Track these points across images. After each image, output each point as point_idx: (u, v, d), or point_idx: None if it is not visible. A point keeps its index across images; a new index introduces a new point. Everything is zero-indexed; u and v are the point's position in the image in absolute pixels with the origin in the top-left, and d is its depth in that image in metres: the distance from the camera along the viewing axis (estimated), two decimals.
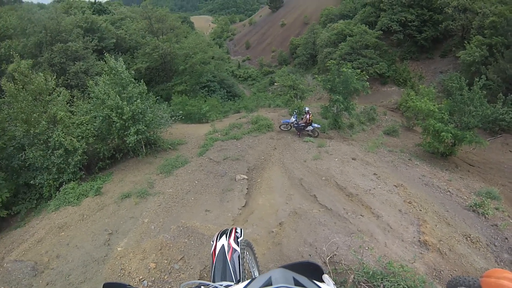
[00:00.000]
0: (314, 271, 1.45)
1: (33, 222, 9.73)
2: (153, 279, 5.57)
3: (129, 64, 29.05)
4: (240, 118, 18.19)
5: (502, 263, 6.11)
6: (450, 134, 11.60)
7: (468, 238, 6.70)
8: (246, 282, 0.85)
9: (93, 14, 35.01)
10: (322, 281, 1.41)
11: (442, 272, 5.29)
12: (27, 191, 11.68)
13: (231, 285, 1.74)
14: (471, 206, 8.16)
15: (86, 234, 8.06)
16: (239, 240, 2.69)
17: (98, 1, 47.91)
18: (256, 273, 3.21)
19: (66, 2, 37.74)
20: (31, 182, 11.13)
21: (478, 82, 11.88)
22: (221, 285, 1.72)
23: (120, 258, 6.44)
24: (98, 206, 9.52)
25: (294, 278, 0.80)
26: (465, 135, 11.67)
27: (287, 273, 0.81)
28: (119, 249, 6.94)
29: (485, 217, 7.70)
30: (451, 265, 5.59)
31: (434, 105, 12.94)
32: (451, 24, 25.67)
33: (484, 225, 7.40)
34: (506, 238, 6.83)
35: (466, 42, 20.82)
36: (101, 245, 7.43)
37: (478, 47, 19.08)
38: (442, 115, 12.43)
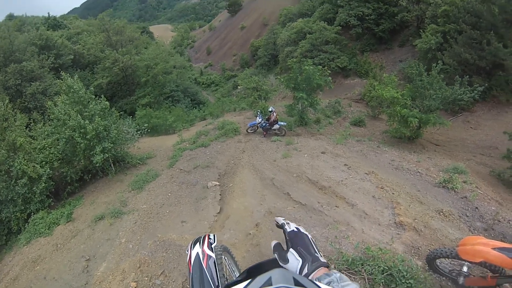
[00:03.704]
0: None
1: (5, 260, 9.30)
2: None
3: (89, 80, 28.41)
4: (206, 125, 18.14)
5: (476, 231, 6.34)
6: (416, 119, 12.00)
7: (441, 213, 6.90)
8: (246, 282, 0.81)
9: (47, 30, 33.97)
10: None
11: (420, 249, 5.41)
12: None
13: None
14: (440, 183, 8.43)
15: (63, 264, 7.75)
16: (213, 246, 2.65)
17: (52, 16, 46.32)
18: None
19: (18, 19, 36.45)
20: None
21: (435, 67, 12.41)
22: None
23: (99, 283, 6.26)
24: (72, 233, 9.16)
25: (294, 278, 0.78)
26: (429, 117, 12.09)
27: (287, 273, 0.80)
28: (98, 274, 6.70)
29: (454, 191, 7.97)
30: (427, 240, 5.73)
31: (397, 92, 13.34)
32: (406, 16, 26.76)
33: (455, 199, 7.67)
34: (477, 208, 7.12)
35: (421, 31, 21.61)
36: (80, 273, 7.16)
37: (433, 35, 19.91)
38: (405, 101, 12.82)
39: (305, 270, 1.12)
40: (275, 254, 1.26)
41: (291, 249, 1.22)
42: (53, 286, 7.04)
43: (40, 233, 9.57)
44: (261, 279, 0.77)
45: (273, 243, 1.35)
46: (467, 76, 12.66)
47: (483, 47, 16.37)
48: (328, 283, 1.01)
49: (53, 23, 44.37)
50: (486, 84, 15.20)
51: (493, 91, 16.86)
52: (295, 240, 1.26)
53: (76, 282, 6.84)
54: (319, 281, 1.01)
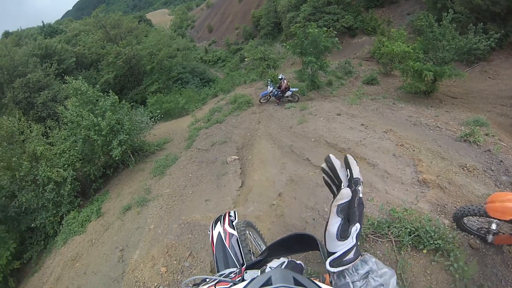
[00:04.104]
0: (306, 242, 1.43)
1: (47, 263, 9.78)
2: (167, 282, 5.64)
3: (95, 78, 28.60)
4: (218, 102, 18.14)
5: (502, 186, 6.15)
6: (431, 72, 11.61)
7: (465, 168, 6.73)
8: (246, 282, 0.81)
9: (45, 38, 33.91)
10: (318, 249, 1.38)
11: (446, 206, 5.33)
12: (32, 235, 11.64)
13: (234, 271, 1.72)
14: (461, 136, 8.18)
15: (99, 257, 8.10)
16: (234, 223, 2.68)
17: (47, 24, 46.26)
18: None
19: (14, 34, 36.58)
20: (33, 225, 11.09)
21: (446, 16, 11.79)
22: (223, 274, 1.69)
23: (132, 272, 6.47)
24: (103, 227, 9.52)
25: (294, 278, 0.77)
26: (444, 69, 11.66)
27: (287, 273, 0.79)
28: (132, 261, 6.95)
29: (477, 145, 7.72)
30: (453, 197, 5.64)
31: (408, 47, 12.90)
32: None
33: (478, 153, 7.43)
34: (501, 161, 6.87)
35: None
36: (116, 264, 7.47)
37: None
38: (418, 54, 12.40)
39: (350, 255, 0.98)
40: (340, 221, 0.97)
41: (357, 225, 0.98)
42: (94, 279, 7.37)
43: (74, 232, 10.00)
44: (261, 279, 0.77)
45: (345, 197, 0.95)
46: (481, 24, 11.96)
47: None
48: (367, 274, 0.95)
49: (49, 30, 44.34)
50: (502, 31, 14.24)
51: (510, 37, 15.91)
52: (361, 212, 1.00)
53: (114, 273, 7.14)
54: (356, 270, 0.96)
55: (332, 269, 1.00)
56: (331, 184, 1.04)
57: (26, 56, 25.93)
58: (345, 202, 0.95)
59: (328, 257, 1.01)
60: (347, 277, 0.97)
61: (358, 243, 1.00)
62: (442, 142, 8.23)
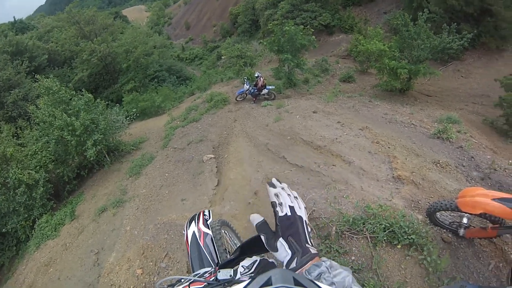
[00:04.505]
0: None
1: (19, 269, 9.47)
2: (143, 284, 5.55)
3: (69, 76, 27.75)
4: (195, 100, 17.96)
5: (473, 181, 6.36)
6: (406, 70, 11.86)
7: (438, 164, 6.91)
8: (246, 282, 0.79)
9: (16, 34, 32.64)
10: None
11: (419, 202, 5.45)
12: (3, 240, 11.27)
13: (208, 270, 1.69)
14: (435, 133, 8.41)
15: (74, 262, 7.90)
16: (208, 222, 2.65)
17: (18, 19, 44.71)
18: None
19: None
20: (3, 230, 10.68)
21: (421, 16, 12.04)
22: (198, 273, 1.66)
23: (107, 275, 6.34)
24: (78, 230, 9.28)
25: (294, 278, 0.76)
26: (419, 68, 11.96)
27: (287, 273, 0.78)
28: (108, 265, 6.79)
29: (449, 141, 7.97)
30: (426, 193, 5.77)
31: (384, 45, 13.12)
32: None
33: (450, 149, 7.66)
34: (472, 157, 7.11)
35: None
36: (91, 267, 7.32)
37: None
38: (393, 53, 12.63)
39: (293, 264, 1.07)
40: (262, 237, 1.17)
41: (280, 239, 1.11)
42: (68, 285, 7.20)
43: (47, 236, 9.69)
44: (261, 279, 0.75)
45: (256, 220, 1.21)
46: (455, 24, 12.30)
47: None
48: (319, 275, 0.99)
49: (20, 26, 42.92)
50: (475, 31, 14.69)
51: (482, 38, 16.39)
52: (286, 228, 1.13)
53: (89, 277, 6.99)
54: (308, 274, 1.01)
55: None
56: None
57: None
58: (258, 223, 1.21)
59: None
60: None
61: (300, 254, 1.09)
62: (417, 139, 8.42)
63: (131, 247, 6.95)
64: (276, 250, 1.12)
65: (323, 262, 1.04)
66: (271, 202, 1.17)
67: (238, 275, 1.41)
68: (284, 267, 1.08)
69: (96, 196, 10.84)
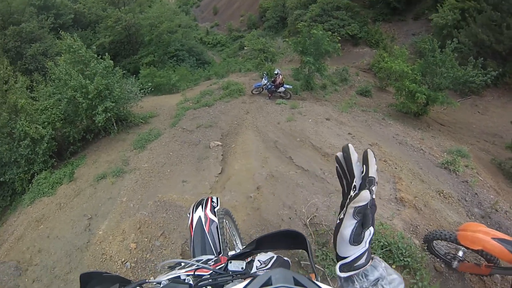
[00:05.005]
0: (295, 239, 1.40)
1: (10, 220, 9.54)
2: (135, 259, 5.53)
3: (91, 40, 27.54)
4: (211, 85, 17.93)
5: (473, 217, 6.39)
6: (424, 95, 11.81)
7: (441, 194, 6.92)
8: (246, 282, 0.79)
9: None
10: (303, 248, 1.36)
11: (418, 227, 5.46)
12: None
13: (211, 258, 1.69)
14: (443, 163, 8.39)
15: (65, 223, 7.90)
16: (215, 210, 2.64)
17: None
18: (238, 241, 3.20)
19: None
20: (1, 179, 10.68)
21: (450, 44, 12.00)
22: (201, 260, 1.66)
23: (100, 243, 6.35)
24: (74, 192, 9.29)
25: (294, 278, 0.74)
26: (437, 95, 11.95)
27: (287, 273, 0.76)
28: (100, 232, 6.82)
29: (456, 174, 7.95)
30: (426, 220, 5.77)
31: (407, 66, 13.06)
32: None
33: (456, 182, 7.65)
34: (476, 194, 7.12)
35: (438, 5, 20.58)
36: (82, 232, 7.30)
37: (451, 10, 18.96)
38: (415, 76, 12.58)
39: (362, 260, 0.92)
40: (354, 221, 0.88)
41: (371, 229, 0.90)
42: (56, 244, 7.19)
43: (43, 193, 9.70)
44: (261, 278, 0.75)
45: (366, 199, 0.84)
46: (482, 59, 12.26)
47: (502, 31, 15.72)
48: (376, 280, 0.90)
49: None
50: (500, 70, 14.74)
51: (506, 78, 16.30)
52: (373, 215, 0.91)
53: (79, 241, 6.97)
54: (366, 275, 0.92)
55: (342, 274, 0.95)
56: (342, 177, 0.95)
57: (23, 5, 24.67)
58: (363, 205, 0.86)
59: (338, 261, 0.97)
60: (355, 282, 0.93)
61: (370, 247, 0.94)
62: (424, 165, 8.41)
63: (125, 219, 6.96)
64: (359, 242, 0.90)
65: (379, 263, 0.94)
66: (371, 176, 0.87)
67: (254, 269, 1.40)
68: (347, 261, 0.94)
69: (98, 162, 10.85)
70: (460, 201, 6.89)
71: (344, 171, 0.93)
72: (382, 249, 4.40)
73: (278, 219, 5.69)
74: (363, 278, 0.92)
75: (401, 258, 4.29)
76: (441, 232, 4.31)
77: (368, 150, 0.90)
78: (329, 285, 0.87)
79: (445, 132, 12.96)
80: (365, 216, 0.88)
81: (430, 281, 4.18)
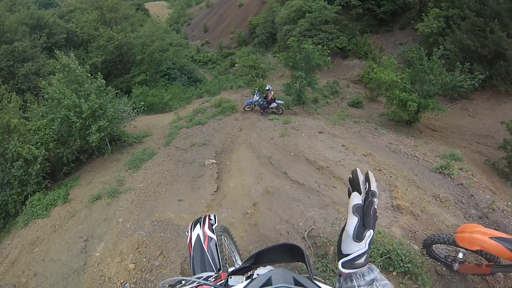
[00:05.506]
0: (293, 252, 1.42)
1: (4, 243, 9.32)
2: (134, 280, 5.44)
3: (83, 59, 27.72)
4: (203, 103, 17.96)
5: (471, 218, 6.43)
6: (415, 103, 12.01)
7: (438, 198, 6.97)
8: (246, 282, 0.80)
9: (39, 9, 32.93)
10: (304, 261, 1.38)
11: (417, 233, 5.48)
12: None
13: (212, 275, 1.69)
14: (437, 168, 8.49)
15: (61, 245, 7.73)
16: (213, 227, 2.64)
17: None
18: (237, 257, 3.20)
19: None
20: None
21: (436, 52, 12.34)
22: (201, 277, 1.66)
23: (98, 265, 6.23)
24: (69, 214, 9.11)
25: (294, 278, 0.78)
26: (428, 102, 12.17)
27: (287, 273, 0.80)
28: (97, 254, 6.70)
29: (451, 178, 8.04)
30: (424, 225, 5.79)
31: (396, 76, 13.26)
32: None
33: (451, 185, 7.74)
34: (472, 195, 7.19)
35: (424, 14, 21.21)
36: (78, 254, 7.14)
37: (436, 19, 19.53)
38: (405, 84, 12.81)
39: (362, 260, 1.04)
40: (355, 219, 1.01)
41: (371, 231, 1.02)
42: (52, 267, 7.03)
43: (37, 215, 9.51)
44: (261, 279, 0.76)
45: (357, 199, 1.02)
46: (468, 64, 12.61)
47: (486, 35, 16.11)
48: (372, 280, 1.02)
49: (44, 1, 43.35)
50: (487, 73, 15.16)
51: (493, 80, 16.69)
52: (375, 221, 1.03)
53: (75, 263, 6.84)
54: (363, 276, 1.04)
55: (345, 270, 1.07)
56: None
57: (16, 24, 24.96)
58: (358, 204, 1.02)
59: (341, 259, 1.07)
60: (354, 280, 1.05)
61: (369, 251, 1.05)
62: (418, 172, 8.49)
63: (123, 240, 6.86)
64: (361, 239, 1.02)
65: (375, 268, 1.06)
66: (373, 190, 1.03)
67: None
68: (349, 258, 1.05)
69: (92, 183, 10.73)
70: (457, 203, 6.95)
71: (352, 190, 1.08)
72: (382, 257, 4.39)
73: (276, 234, 5.67)
74: (360, 277, 1.04)
75: (401, 265, 4.28)
76: (439, 236, 4.32)
77: (369, 171, 1.09)
78: None
79: (437, 138, 13.12)
80: (365, 216, 1.02)
81: (432, 285, 4.18)
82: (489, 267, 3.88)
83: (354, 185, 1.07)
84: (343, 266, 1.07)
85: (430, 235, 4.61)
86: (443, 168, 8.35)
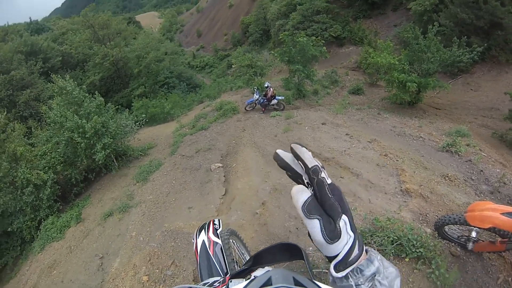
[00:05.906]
0: (292, 251, 1.40)
1: (23, 270, 9.43)
2: None
3: (81, 79, 27.98)
4: (204, 108, 18.05)
5: (482, 195, 6.30)
6: (415, 83, 11.86)
7: (447, 178, 6.85)
8: (246, 282, 0.78)
9: (31, 35, 33.34)
10: (302, 259, 1.35)
11: (427, 215, 5.40)
12: (7, 239, 11.26)
13: (218, 279, 1.69)
14: (444, 147, 8.37)
15: (78, 265, 7.84)
16: (218, 232, 2.64)
17: (34, 21, 45.76)
18: (247, 259, 3.18)
19: (1, 29, 35.84)
20: (9, 229, 10.61)
21: (432, 29, 12.17)
22: (207, 283, 1.66)
23: (113, 280, 6.29)
24: (83, 233, 9.23)
25: (294, 278, 0.72)
26: (428, 81, 12.02)
27: (287, 273, 0.73)
28: (113, 270, 6.77)
29: (458, 155, 7.92)
30: (435, 206, 5.71)
31: (394, 58, 13.14)
32: None
33: (459, 162, 7.62)
34: (482, 171, 7.07)
35: None
36: (95, 272, 7.24)
37: None
38: (403, 66, 12.66)
39: (356, 252, 0.80)
40: (318, 221, 0.75)
41: (343, 216, 0.77)
42: None
43: (52, 238, 9.64)
44: (261, 279, 0.73)
45: (302, 197, 0.76)
46: (465, 37, 12.40)
47: (480, 6, 15.86)
48: (373, 275, 0.80)
49: (35, 27, 44.02)
50: (485, 44, 14.81)
51: (492, 51, 16.40)
52: (340, 199, 0.79)
53: (93, 281, 6.92)
54: (361, 271, 0.81)
55: (338, 274, 0.82)
56: (298, 180, 0.88)
57: (11, 53, 25.37)
58: (307, 198, 0.76)
59: (331, 261, 0.83)
60: (350, 278, 0.82)
61: (359, 235, 0.82)
62: (425, 152, 8.38)
63: (137, 253, 6.91)
64: (338, 236, 0.76)
65: (375, 256, 0.83)
66: (312, 166, 0.80)
67: None
68: (339, 258, 0.80)
69: (103, 200, 10.83)
70: (467, 181, 6.82)
71: (292, 175, 0.89)
72: (393, 244, 4.34)
73: (286, 231, 5.66)
74: (358, 274, 0.81)
75: (413, 250, 4.22)
76: (450, 217, 4.27)
77: (292, 144, 0.86)
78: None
79: (442, 116, 12.97)
80: (325, 206, 0.77)
81: (447, 267, 4.12)
82: (503, 244, 3.82)
83: (289, 173, 0.88)
84: (336, 270, 0.81)
85: (441, 217, 4.56)
86: (450, 146, 8.22)
